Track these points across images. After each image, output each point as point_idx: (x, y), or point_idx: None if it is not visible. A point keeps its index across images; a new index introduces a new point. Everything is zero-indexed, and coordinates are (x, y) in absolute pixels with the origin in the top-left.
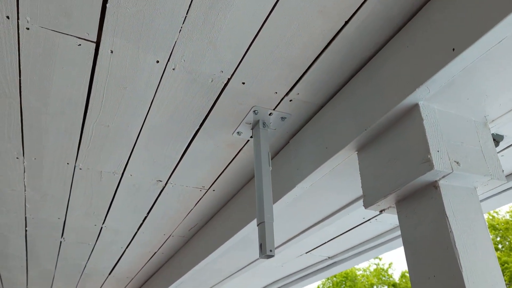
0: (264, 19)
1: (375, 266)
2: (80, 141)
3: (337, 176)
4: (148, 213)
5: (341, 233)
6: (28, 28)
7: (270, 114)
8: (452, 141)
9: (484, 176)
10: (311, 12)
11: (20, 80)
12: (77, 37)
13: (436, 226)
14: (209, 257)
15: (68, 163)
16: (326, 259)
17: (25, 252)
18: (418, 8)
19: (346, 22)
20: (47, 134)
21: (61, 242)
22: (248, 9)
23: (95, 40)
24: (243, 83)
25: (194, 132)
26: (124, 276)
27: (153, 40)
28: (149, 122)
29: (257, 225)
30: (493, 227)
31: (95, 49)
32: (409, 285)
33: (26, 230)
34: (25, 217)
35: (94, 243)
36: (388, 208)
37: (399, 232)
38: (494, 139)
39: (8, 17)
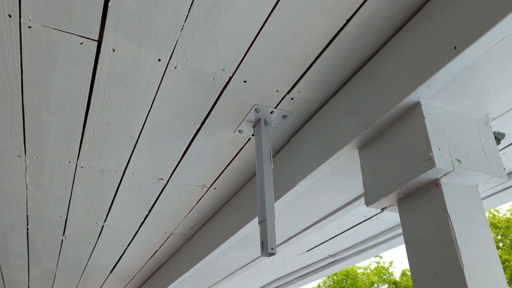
0: (266, 18)
1: (375, 265)
2: (82, 139)
3: (339, 174)
4: (149, 211)
5: (342, 231)
6: (30, 27)
7: (271, 113)
8: (453, 139)
9: (486, 174)
10: (312, 10)
11: (22, 78)
12: (79, 35)
13: (438, 224)
14: (210, 255)
15: (69, 162)
16: (327, 257)
17: (26, 250)
18: (419, 7)
19: (348, 21)
20: (49, 133)
21: (62, 240)
22: (250, 7)
23: (97, 38)
24: (245, 82)
25: (195, 130)
26: (126, 274)
27: (155, 38)
28: (150, 121)
29: (259, 223)
30: (494, 226)
31: (97, 48)
32: (410, 283)
33: (27, 229)
34: (27, 216)
35: (96, 241)
36: (390, 206)
37: (400, 230)
38: (495, 137)
39: (10, 16)
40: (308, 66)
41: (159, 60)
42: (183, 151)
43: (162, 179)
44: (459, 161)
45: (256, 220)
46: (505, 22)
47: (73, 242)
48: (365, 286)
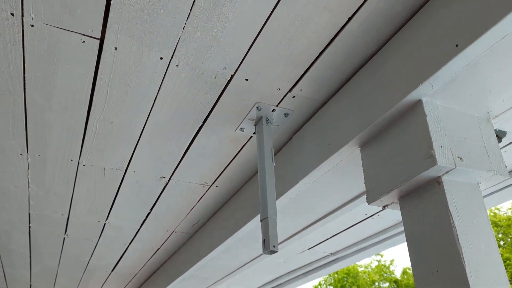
0: (268, 16)
1: (376, 263)
2: (84, 137)
3: (340, 172)
4: (151, 209)
5: (344, 229)
6: (32, 25)
7: (273, 111)
8: (455, 137)
9: (487, 171)
10: (314, 8)
11: (24, 77)
12: (81, 34)
13: (439, 222)
14: (212, 253)
15: (71, 160)
16: (328, 255)
17: (28, 248)
18: (421, 5)
19: (350, 19)
20: (51, 131)
21: (64, 238)
22: (252, 5)
23: (99, 37)
24: (246, 80)
25: (197, 128)
26: (127, 272)
27: (157, 36)
28: (152, 119)
29: (261, 221)
30: (495, 224)
31: (99, 46)
32: (411, 281)
33: (29, 227)
34: (29, 214)
35: (97, 239)
36: (391, 203)
37: (401, 228)
38: (496, 135)
39: (12, 14)
40: (309, 64)
41: (161, 58)
42: (184, 149)
43: (164, 177)
44: (460, 158)
45: (257, 218)
46: (507, 20)
47: (75, 240)
48: (366, 284)
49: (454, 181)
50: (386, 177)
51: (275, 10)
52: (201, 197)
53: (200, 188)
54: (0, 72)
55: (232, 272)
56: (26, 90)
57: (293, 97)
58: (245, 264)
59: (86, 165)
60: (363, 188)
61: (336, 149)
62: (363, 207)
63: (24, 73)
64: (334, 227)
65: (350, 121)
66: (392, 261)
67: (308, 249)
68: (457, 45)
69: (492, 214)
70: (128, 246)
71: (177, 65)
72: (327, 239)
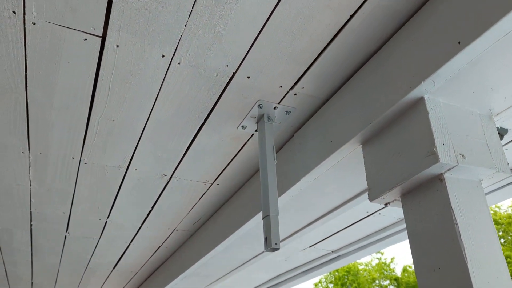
0: (270, 13)
1: (377, 261)
2: (85, 135)
3: (342, 170)
4: (152, 207)
5: (345, 227)
6: (34, 23)
7: (274, 108)
8: (457, 134)
9: (489, 169)
10: (316, 5)
11: (26, 75)
12: (83, 31)
13: (442, 219)
14: (213, 251)
15: (73, 158)
16: (329, 253)
17: (30, 246)
18: (423, 2)
19: (352, 16)
20: (53, 129)
21: (65, 236)
22: (253, 3)
23: (101, 34)
24: (248, 77)
25: (199, 126)
26: (128, 270)
27: (159, 34)
28: (154, 116)
29: (262, 219)
30: (495, 222)
31: (101, 44)
32: (411, 279)
33: (31, 225)
34: (30, 212)
35: (99, 237)
36: (393, 201)
37: (402, 226)
38: (498, 133)
39: (14, 12)
40: (311, 62)
41: (163, 56)
42: (186, 147)
43: (165, 175)
44: (462, 156)
45: (259, 216)
46: (510, 17)
47: (76, 238)
48: (367, 282)
49: (456, 178)
50: (388, 174)
51: (276, 8)
52: (203, 195)
53: (201, 186)
54: (2, 70)
55: (234, 270)
56: (27, 88)
57: (295, 94)
58: (247, 262)
59: (87, 163)
60: (364, 185)
61: (337, 146)
62: (364, 205)
63: (26, 71)
64: (336, 225)
65: (352, 118)
66: (392, 259)
67: (309, 246)
68: (459, 43)
69: (492, 212)
70: (129, 244)
71: (178, 63)
72: (329, 236)
